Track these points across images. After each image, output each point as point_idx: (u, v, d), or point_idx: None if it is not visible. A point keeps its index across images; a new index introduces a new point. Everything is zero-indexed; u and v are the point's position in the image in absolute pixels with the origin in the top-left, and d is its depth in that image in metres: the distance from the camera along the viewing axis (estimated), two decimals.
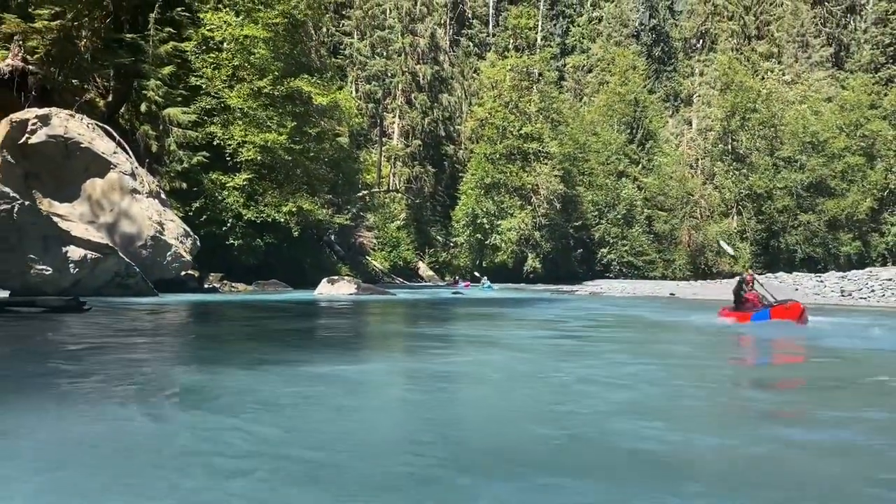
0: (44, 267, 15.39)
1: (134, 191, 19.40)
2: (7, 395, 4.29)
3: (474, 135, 49.99)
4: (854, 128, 49.57)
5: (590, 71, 64.70)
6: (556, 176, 45.89)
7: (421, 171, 50.35)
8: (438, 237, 49.90)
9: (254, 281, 23.87)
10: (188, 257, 19.59)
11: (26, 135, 18.77)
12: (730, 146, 53.06)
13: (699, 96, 62.99)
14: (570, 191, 47.80)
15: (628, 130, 53.56)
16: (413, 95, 50.07)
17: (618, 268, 49.72)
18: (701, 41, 65.78)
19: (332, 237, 33.64)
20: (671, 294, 25.34)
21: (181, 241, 19.63)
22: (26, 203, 15.64)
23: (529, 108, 47.06)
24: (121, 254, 16.62)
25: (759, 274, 43.66)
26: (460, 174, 50.54)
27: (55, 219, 16.02)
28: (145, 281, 16.84)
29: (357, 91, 46.57)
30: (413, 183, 49.84)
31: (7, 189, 15.37)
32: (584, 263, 49.74)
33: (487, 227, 45.21)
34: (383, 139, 48.93)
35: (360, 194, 38.41)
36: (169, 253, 19.22)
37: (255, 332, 10.05)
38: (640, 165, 52.52)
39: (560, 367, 6.37)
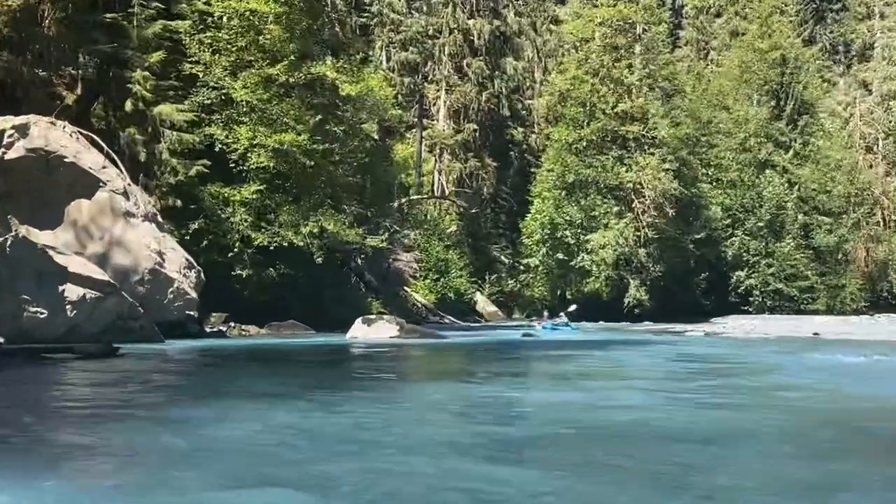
0: (38, 309, 19.78)
1: (127, 213, 23.79)
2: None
3: (551, 114, 53.43)
4: None
5: (718, 16, 67.83)
6: (667, 170, 48.80)
7: (477, 167, 53.40)
8: (503, 258, 53.18)
9: (266, 322, 28.00)
10: (193, 294, 23.88)
11: (2, 149, 23.48)
12: None
13: (882, 48, 65.27)
14: (688, 190, 50.48)
15: (773, 102, 55.94)
16: (465, 62, 53.44)
17: (760, 298, 51.88)
18: None
19: (360, 261, 37.43)
20: (815, 334, 28.62)
21: (184, 275, 24.00)
22: (20, 234, 20.27)
23: (629, 76, 50.36)
24: (123, 293, 21.04)
25: None
26: (532, 170, 53.93)
27: (50, 252, 20.51)
28: (151, 324, 21.19)
29: (388, 60, 50.76)
30: (467, 183, 53.25)
31: None
32: (711, 293, 52.14)
33: (572, 242, 48.31)
34: (424, 123, 52.75)
35: (396, 203, 42.43)
36: (171, 289, 23.54)
37: (315, 377, 14.00)
38: (792, 151, 54.77)
39: None
